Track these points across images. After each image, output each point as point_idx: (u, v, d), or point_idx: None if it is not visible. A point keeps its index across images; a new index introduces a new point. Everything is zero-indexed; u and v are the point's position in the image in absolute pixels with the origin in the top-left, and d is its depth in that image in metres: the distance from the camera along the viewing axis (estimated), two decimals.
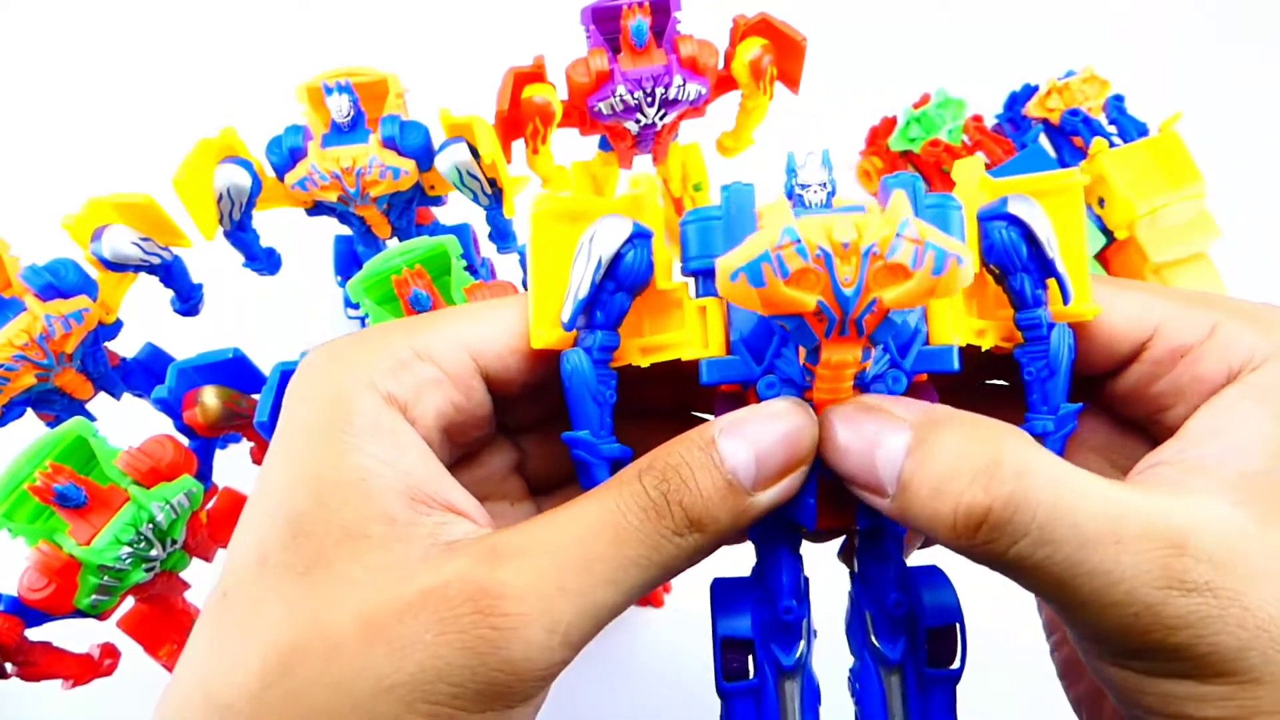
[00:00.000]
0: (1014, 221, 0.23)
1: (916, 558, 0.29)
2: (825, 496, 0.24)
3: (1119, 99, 0.61)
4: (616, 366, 0.25)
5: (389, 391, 0.22)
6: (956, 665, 0.25)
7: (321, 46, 0.82)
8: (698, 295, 0.24)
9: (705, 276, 0.24)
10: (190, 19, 0.85)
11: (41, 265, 0.45)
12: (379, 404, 0.22)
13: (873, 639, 0.25)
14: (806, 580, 0.26)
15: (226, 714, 0.20)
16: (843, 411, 0.23)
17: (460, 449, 0.26)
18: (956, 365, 0.23)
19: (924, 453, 0.21)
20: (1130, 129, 0.60)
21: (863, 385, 0.23)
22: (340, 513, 0.21)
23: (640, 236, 0.24)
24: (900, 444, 0.21)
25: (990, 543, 0.20)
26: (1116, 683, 0.22)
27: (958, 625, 0.24)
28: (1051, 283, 0.24)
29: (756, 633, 0.25)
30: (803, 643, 0.25)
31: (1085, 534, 0.20)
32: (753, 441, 0.22)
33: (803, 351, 0.22)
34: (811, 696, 0.25)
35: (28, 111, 0.80)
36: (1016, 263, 0.23)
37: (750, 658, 0.25)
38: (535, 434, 0.28)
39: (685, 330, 0.24)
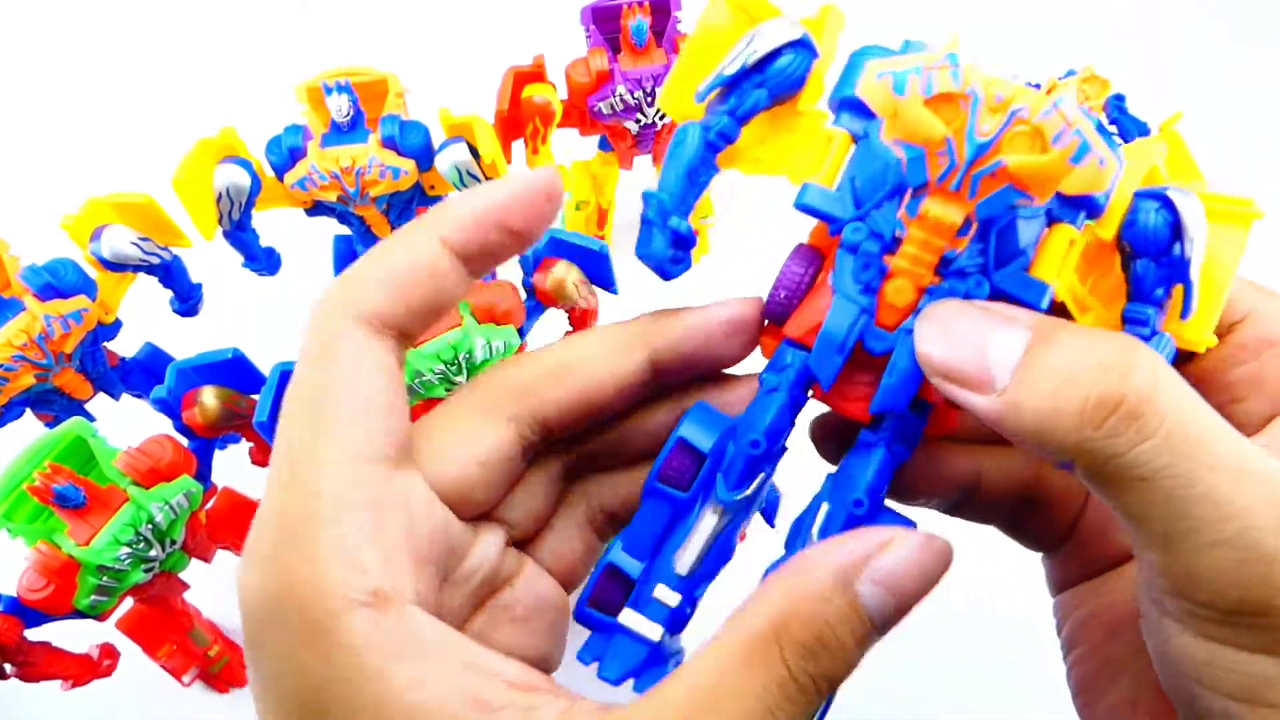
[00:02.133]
0: (1168, 207, 0.21)
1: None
2: (850, 371, 0.23)
3: (1119, 98, 0.61)
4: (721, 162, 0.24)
5: (366, 588, 0.19)
6: None
7: (321, 46, 0.82)
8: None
9: (849, 111, 0.23)
10: (190, 19, 0.85)
11: (40, 265, 0.45)
12: (369, 618, 0.19)
13: (814, 532, 0.23)
14: (785, 449, 0.24)
15: None
16: (948, 304, 0.21)
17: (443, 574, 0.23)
18: (1045, 305, 0.21)
19: (1049, 346, 0.19)
20: (1131, 129, 0.60)
21: (943, 275, 0.21)
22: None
23: (805, 47, 0.23)
24: (1019, 338, 0.20)
25: (1115, 436, 0.19)
26: (1194, 660, 0.20)
27: None
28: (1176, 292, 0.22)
29: (714, 454, 0.23)
30: (749, 492, 0.23)
31: (1211, 453, 0.18)
32: (895, 588, 0.20)
33: (905, 201, 0.21)
34: (720, 555, 0.24)
35: (28, 111, 0.80)
36: (1150, 247, 0.21)
37: (693, 476, 0.23)
38: (512, 496, 0.25)
39: (803, 154, 0.23)
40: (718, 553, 0.24)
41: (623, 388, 0.24)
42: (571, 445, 0.25)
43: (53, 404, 0.49)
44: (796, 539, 0.23)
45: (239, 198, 0.49)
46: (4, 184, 0.75)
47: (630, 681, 0.24)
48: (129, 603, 0.46)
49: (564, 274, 0.43)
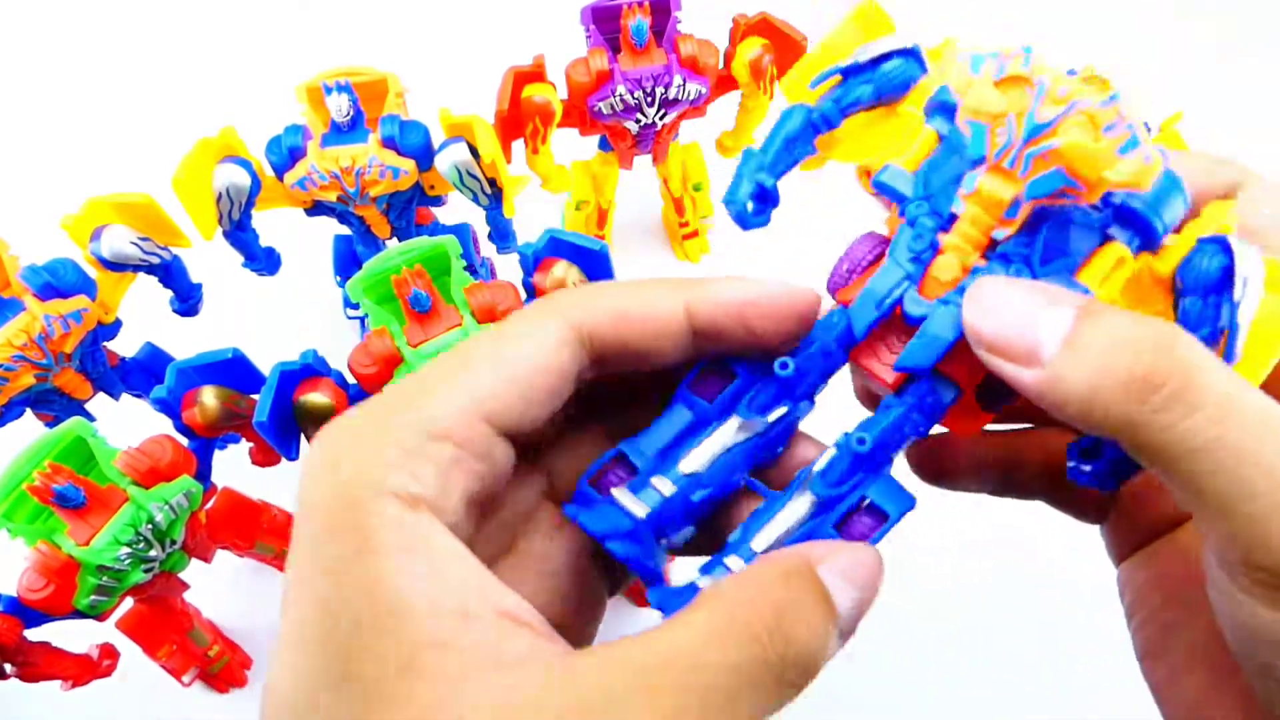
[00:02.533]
0: (1226, 251, 0.22)
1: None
2: (885, 334, 0.24)
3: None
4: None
5: (410, 492, 0.20)
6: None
7: (321, 46, 0.82)
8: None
9: (940, 114, 0.24)
10: (190, 19, 0.85)
11: (40, 265, 0.45)
12: (401, 511, 0.19)
13: (815, 469, 0.23)
14: (812, 403, 0.25)
15: None
16: (997, 280, 0.22)
17: (483, 510, 0.23)
18: None
19: (1096, 321, 0.20)
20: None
21: (988, 257, 0.23)
22: (386, 647, 0.18)
23: (914, 57, 0.24)
24: (1066, 313, 0.20)
25: (1164, 410, 0.19)
26: (1270, 629, 0.20)
27: (888, 522, 0.23)
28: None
29: (744, 373, 0.24)
30: (770, 419, 0.24)
31: (1260, 422, 0.19)
32: (863, 589, 0.21)
33: (965, 180, 0.22)
34: (726, 473, 0.24)
35: (28, 111, 0.80)
36: (1200, 285, 0.22)
37: (719, 393, 0.24)
38: (561, 448, 0.26)
39: (893, 150, 0.25)
40: (724, 470, 0.24)
41: (668, 334, 0.23)
42: (616, 413, 0.26)
43: (53, 404, 0.49)
44: (799, 479, 0.24)
45: (239, 198, 0.49)
46: (4, 184, 0.75)
47: None
48: (129, 603, 0.46)
49: (564, 274, 0.43)
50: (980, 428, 0.25)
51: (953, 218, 0.23)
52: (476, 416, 0.21)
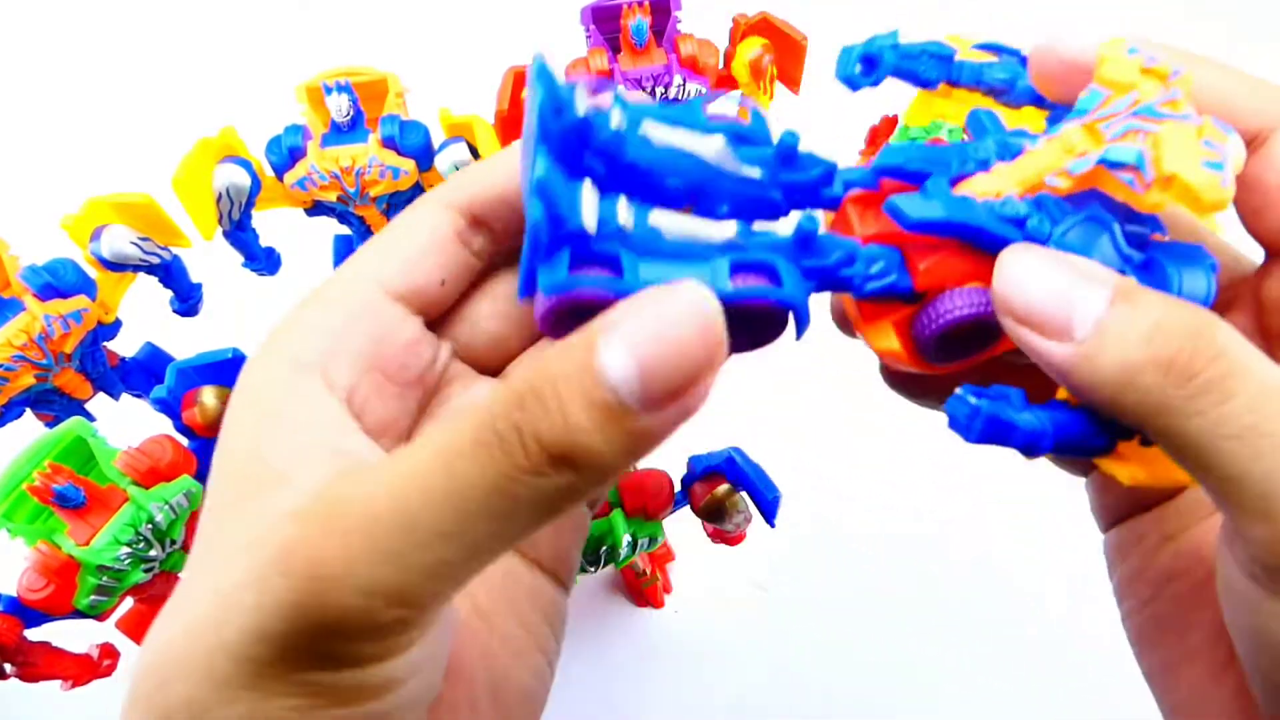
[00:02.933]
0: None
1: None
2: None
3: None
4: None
5: (295, 358, 0.22)
6: (729, 291, 0.21)
7: (321, 46, 0.82)
8: None
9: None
10: (190, 19, 0.85)
11: (40, 265, 0.45)
12: (288, 373, 0.22)
13: (761, 224, 0.22)
14: (815, 225, 0.22)
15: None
16: (1033, 250, 0.21)
17: (421, 389, 0.24)
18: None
19: (1134, 304, 0.19)
20: None
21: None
22: (231, 484, 0.21)
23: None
24: (1103, 291, 0.20)
25: (1199, 396, 0.18)
26: None
27: (779, 293, 0.21)
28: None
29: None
30: (778, 226, 0.22)
31: None
32: (637, 347, 0.17)
33: (1049, 130, 0.22)
34: (694, 193, 0.21)
35: (28, 111, 0.80)
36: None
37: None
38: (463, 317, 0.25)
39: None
40: (693, 193, 0.21)
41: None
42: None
43: (53, 404, 0.49)
44: (700, 254, 0.21)
45: (239, 198, 0.49)
46: (4, 184, 0.75)
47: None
48: (129, 602, 0.46)
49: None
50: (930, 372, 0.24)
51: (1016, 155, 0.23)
52: (368, 281, 0.23)
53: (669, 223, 0.21)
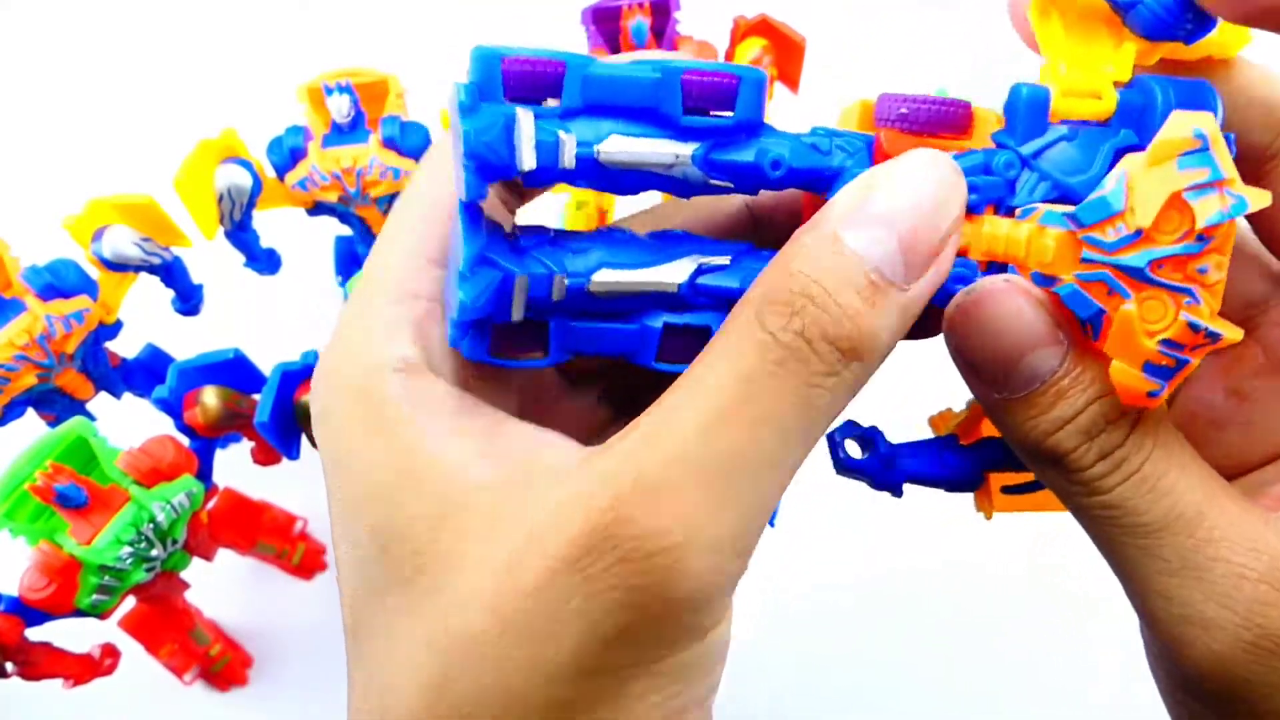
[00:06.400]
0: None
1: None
2: None
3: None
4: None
5: (402, 358, 0.20)
6: (656, 363, 0.21)
7: (321, 46, 0.82)
8: None
9: (1140, 98, 0.21)
10: (190, 19, 0.85)
11: (42, 265, 0.45)
12: (402, 380, 0.19)
13: (703, 262, 0.21)
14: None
15: None
16: (1003, 287, 0.19)
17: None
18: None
19: (1073, 383, 0.19)
20: None
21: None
22: (421, 503, 0.18)
23: (1201, 24, 0.21)
24: (1052, 359, 0.19)
25: (1104, 477, 0.19)
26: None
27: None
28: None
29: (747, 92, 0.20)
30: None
31: (1205, 524, 0.18)
32: (889, 222, 0.17)
33: (1041, 210, 0.20)
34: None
35: (28, 111, 0.80)
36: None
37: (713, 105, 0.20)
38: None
39: (1079, 68, 0.21)
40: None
41: None
42: None
43: (54, 404, 0.49)
44: (677, 250, 0.21)
45: (240, 198, 0.49)
46: (5, 184, 0.75)
47: None
48: (130, 602, 0.46)
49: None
50: None
51: (1010, 210, 0.20)
52: (427, 262, 0.21)
53: (613, 277, 0.20)
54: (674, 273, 0.20)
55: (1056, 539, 0.56)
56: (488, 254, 0.19)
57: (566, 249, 0.20)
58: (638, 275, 0.20)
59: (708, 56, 0.55)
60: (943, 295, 0.20)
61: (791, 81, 0.58)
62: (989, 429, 0.25)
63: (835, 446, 0.24)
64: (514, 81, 0.19)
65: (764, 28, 0.56)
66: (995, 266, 0.20)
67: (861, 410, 0.24)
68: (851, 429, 0.24)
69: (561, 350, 0.21)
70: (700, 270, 0.20)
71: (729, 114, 0.20)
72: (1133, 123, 0.20)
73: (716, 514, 0.17)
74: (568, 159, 0.19)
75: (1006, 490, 0.24)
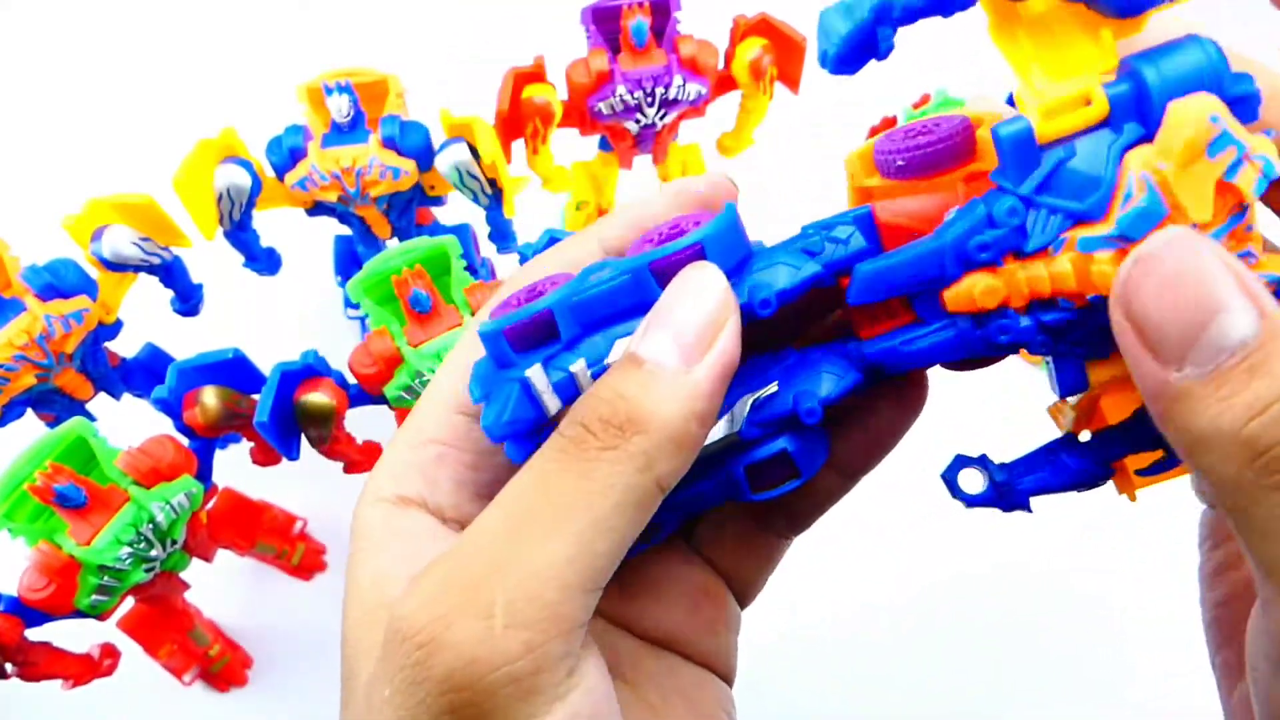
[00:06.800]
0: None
1: None
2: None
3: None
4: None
5: (396, 495, 0.22)
6: (755, 495, 0.22)
7: (321, 46, 0.82)
8: None
9: (1130, 103, 0.19)
10: (190, 19, 0.85)
11: (41, 265, 0.45)
12: (387, 510, 0.22)
13: (749, 400, 0.21)
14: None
15: None
16: (1189, 239, 0.17)
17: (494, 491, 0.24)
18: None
19: (1263, 372, 0.16)
20: None
21: (1034, 318, 0.20)
22: (353, 615, 0.21)
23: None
24: (1247, 324, 0.16)
25: (1276, 491, 0.16)
26: None
27: (798, 479, 0.21)
28: None
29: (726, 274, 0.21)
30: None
31: None
32: (666, 325, 0.19)
33: (1074, 236, 0.19)
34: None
35: (28, 111, 0.80)
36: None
37: None
38: None
39: (1056, 67, 0.20)
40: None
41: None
42: None
43: (54, 404, 0.49)
44: (731, 393, 0.21)
45: (239, 198, 0.49)
46: (4, 184, 0.75)
47: None
48: (130, 602, 0.46)
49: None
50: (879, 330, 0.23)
51: (1038, 249, 0.19)
52: (452, 411, 0.23)
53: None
54: (727, 427, 0.21)
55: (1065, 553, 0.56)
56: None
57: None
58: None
59: (708, 55, 0.55)
60: (981, 344, 0.20)
61: (791, 81, 0.58)
62: (1112, 410, 0.23)
63: (951, 486, 0.23)
64: (518, 340, 0.21)
65: (764, 27, 0.56)
66: (1038, 307, 0.20)
67: (975, 437, 0.24)
68: (959, 464, 0.23)
69: (675, 526, 0.22)
70: (755, 407, 0.21)
71: None
72: (1133, 113, 0.19)
73: (487, 582, 0.18)
74: (586, 382, 0.20)
75: (1141, 473, 0.23)
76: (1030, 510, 0.23)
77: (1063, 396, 0.21)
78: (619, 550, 0.19)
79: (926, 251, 0.20)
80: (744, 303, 0.20)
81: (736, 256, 0.21)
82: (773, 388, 0.21)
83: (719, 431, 0.21)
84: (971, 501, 0.23)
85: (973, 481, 0.24)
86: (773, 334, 0.22)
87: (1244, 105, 0.19)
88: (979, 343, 0.20)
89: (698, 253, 0.20)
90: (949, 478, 0.24)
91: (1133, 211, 0.18)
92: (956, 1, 0.20)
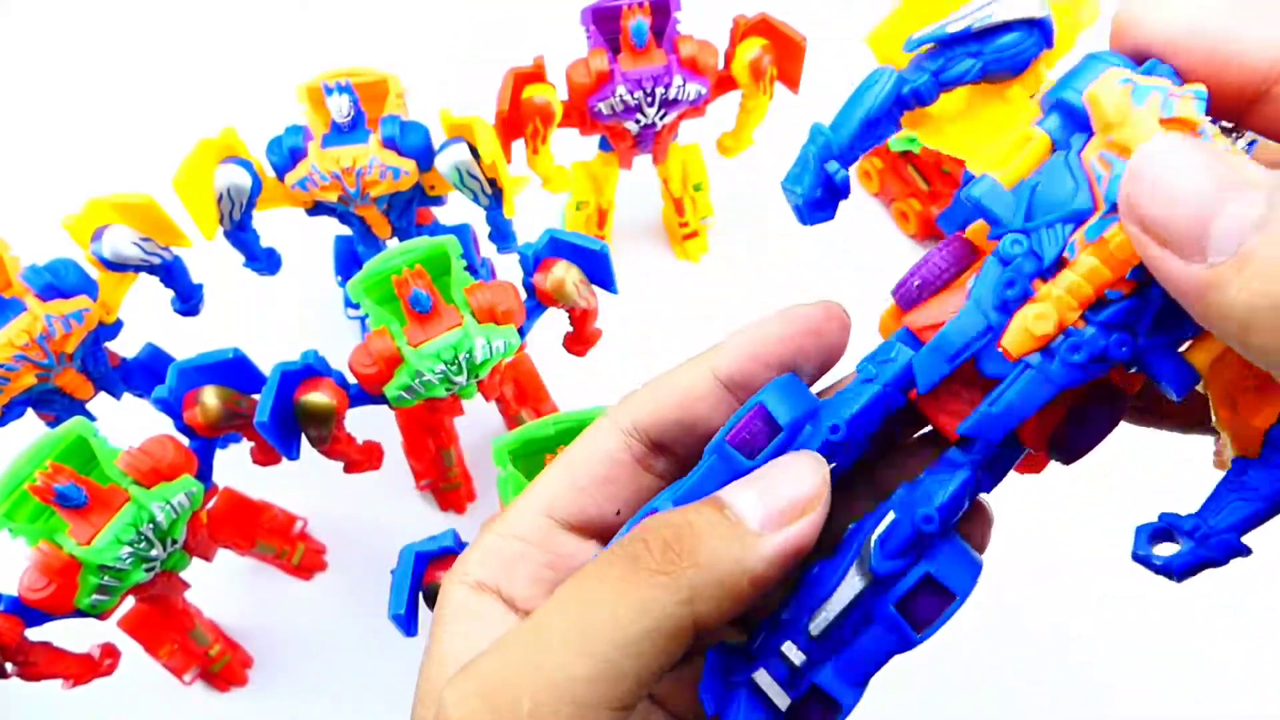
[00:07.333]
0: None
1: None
2: (953, 382, 0.21)
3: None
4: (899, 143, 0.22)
5: (477, 580, 0.24)
6: (918, 635, 0.21)
7: (321, 46, 0.82)
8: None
9: (1062, 116, 0.20)
10: (190, 19, 0.85)
11: (42, 265, 0.45)
12: (467, 593, 0.24)
13: (873, 538, 0.21)
14: (866, 446, 0.22)
15: None
16: (1173, 140, 0.18)
17: None
18: (1179, 395, 0.20)
19: None
20: None
21: (1089, 320, 0.20)
22: (423, 701, 0.23)
23: (1042, 32, 0.21)
24: (1255, 203, 0.16)
25: None
26: None
27: (955, 602, 0.21)
28: None
29: (790, 429, 0.22)
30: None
31: None
32: (761, 488, 0.21)
33: (1089, 223, 0.19)
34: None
35: (28, 111, 0.80)
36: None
37: (763, 447, 0.22)
38: None
39: (994, 143, 0.21)
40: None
41: (704, 400, 0.25)
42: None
43: (54, 404, 0.49)
44: (852, 541, 0.22)
45: (240, 198, 0.49)
46: (4, 184, 0.75)
47: None
48: (130, 602, 0.46)
49: (564, 274, 0.43)
50: (1042, 468, 0.24)
51: (1057, 262, 0.19)
52: (538, 514, 0.25)
53: (822, 617, 0.22)
54: (860, 574, 0.21)
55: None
56: (731, 681, 0.22)
57: (782, 631, 0.22)
58: (839, 600, 0.21)
59: (708, 55, 0.55)
60: (1063, 373, 0.20)
61: (791, 81, 0.58)
62: (1255, 413, 0.22)
63: (1146, 562, 0.22)
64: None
65: (764, 27, 0.56)
66: (1091, 313, 0.20)
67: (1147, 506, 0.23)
68: (1144, 535, 0.22)
69: (856, 695, 0.22)
70: (880, 543, 0.21)
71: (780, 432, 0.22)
72: (1074, 127, 0.20)
73: (508, 690, 0.19)
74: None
75: None
76: (1248, 552, 0.21)
77: (1179, 395, 0.20)
78: (649, 675, 0.20)
79: (965, 312, 0.20)
80: (819, 444, 0.22)
81: (801, 408, 0.22)
82: (890, 517, 0.21)
83: (854, 588, 0.21)
84: (1180, 568, 0.22)
85: (1167, 547, 0.22)
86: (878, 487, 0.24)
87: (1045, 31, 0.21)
88: (1059, 373, 0.20)
89: (759, 413, 0.22)
90: (1142, 556, 0.22)
91: (1110, 183, 0.19)
92: (884, 129, 0.22)
